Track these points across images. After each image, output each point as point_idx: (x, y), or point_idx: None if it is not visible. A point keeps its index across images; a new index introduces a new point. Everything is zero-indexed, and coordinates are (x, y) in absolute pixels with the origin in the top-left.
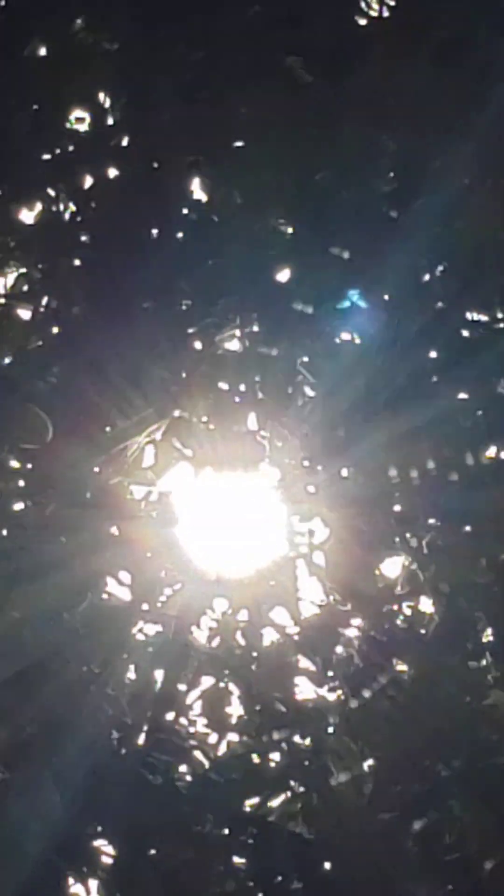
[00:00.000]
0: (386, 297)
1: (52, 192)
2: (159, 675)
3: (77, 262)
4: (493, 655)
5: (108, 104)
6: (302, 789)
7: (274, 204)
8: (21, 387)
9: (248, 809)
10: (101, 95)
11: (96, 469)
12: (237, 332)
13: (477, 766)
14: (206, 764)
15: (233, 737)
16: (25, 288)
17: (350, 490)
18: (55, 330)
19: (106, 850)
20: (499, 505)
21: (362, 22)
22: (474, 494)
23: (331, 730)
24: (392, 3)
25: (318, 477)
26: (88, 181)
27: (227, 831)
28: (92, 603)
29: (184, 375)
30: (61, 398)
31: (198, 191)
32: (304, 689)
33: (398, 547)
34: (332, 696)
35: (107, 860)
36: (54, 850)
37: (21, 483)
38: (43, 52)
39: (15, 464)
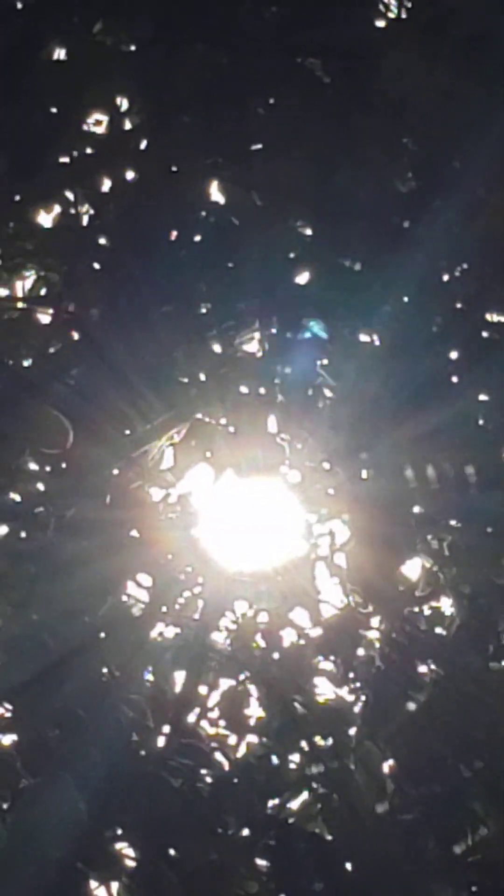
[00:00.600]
0: (405, 298)
1: (70, 196)
2: (179, 677)
3: (96, 266)
4: None
5: (126, 107)
6: (322, 790)
7: (293, 206)
8: (41, 390)
9: (268, 811)
10: (120, 98)
11: (116, 472)
12: (257, 335)
13: (499, 767)
14: (227, 766)
15: (253, 738)
16: (44, 291)
17: (370, 492)
18: (74, 333)
19: (127, 852)
20: None
21: (380, 23)
22: (495, 495)
23: (351, 731)
24: (409, 5)
25: (338, 479)
26: (107, 184)
27: (247, 833)
28: (112, 605)
29: (203, 378)
30: (81, 401)
31: (216, 194)
32: (325, 691)
33: (419, 548)
34: (352, 698)
35: (128, 863)
36: (76, 853)
37: (41, 486)
38: (62, 55)
39: (35, 467)
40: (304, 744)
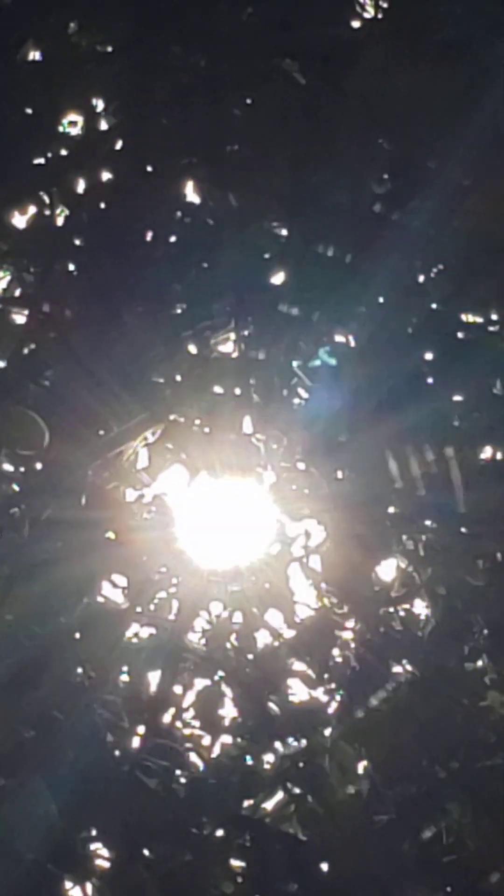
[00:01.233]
0: (381, 298)
1: (45, 197)
2: (154, 677)
3: (71, 266)
4: (489, 657)
5: (101, 108)
6: (298, 791)
7: (268, 206)
8: (16, 391)
9: (243, 812)
10: (95, 99)
11: (91, 473)
12: (232, 336)
13: (474, 768)
14: (202, 766)
15: (227, 739)
16: (19, 292)
17: (345, 492)
18: (49, 334)
19: (101, 853)
20: (495, 507)
21: (356, 24)
22: (470, 496)
23: (326, 732)
24: (385, 5)
25: (313, 479)
26: (82, 185)
27: (222, 833)
28: (87, 606)
29: (178, 379)
30: (56, 402)
31: (192, 194)
32: (299, 692)
33: (394, 549)
34: (326, 699)
35: (102, 864)
36: (50, 854)
37: (16, 487)
38: (37, 55)
39: (10, 468)
40: (278, 744)
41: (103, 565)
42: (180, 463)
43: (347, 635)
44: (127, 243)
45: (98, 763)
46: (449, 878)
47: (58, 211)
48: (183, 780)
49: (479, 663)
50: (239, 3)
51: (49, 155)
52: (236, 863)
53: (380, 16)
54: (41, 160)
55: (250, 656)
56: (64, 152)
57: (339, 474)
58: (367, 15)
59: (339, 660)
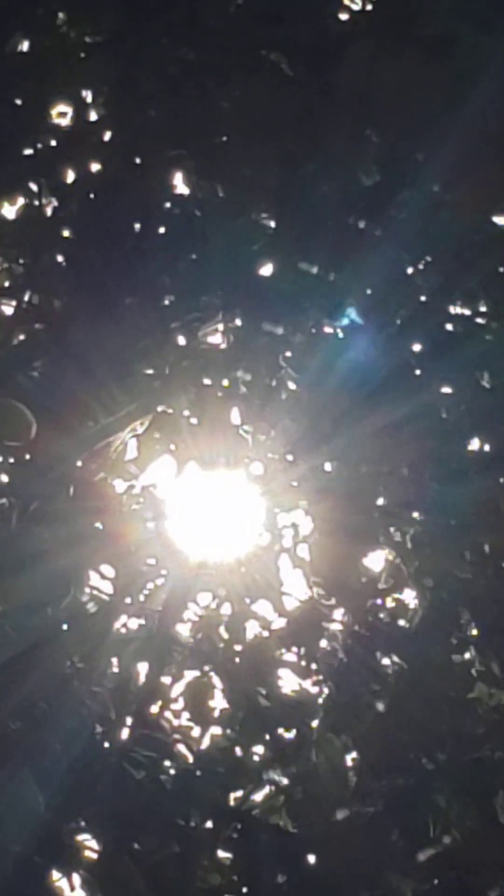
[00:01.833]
0: (369, 290)
1: (34, 187)
2: (143, 668)
3: (59, 258)
4: (476, 649)
5: (90, 99)
6: (286, 783)
7: (256, 198)
8: (4, 382)
9: (231, 803)
10: (84, 90)
11: (80, 464)
12: (220, 327)
13: (461, 760)
14: (190, 758)
15: (216, 730)
16: (8, 283)
17: (333, 484)
18: (38, 325)
19: (89, 844)
20: (482, 498)
21: (344, 17)
22: (458, 488)
23: (314, 723)
24: None
25: (301, 471)
26: (71, 176)
27: (210, 825)
28: (75, 597)
29: (167, 370)
30: (44, 393)
31: (180, 186)
32: (288, 683)
33: (382, 541)
34: (315, 690)
35: (90, 855)
36: (37, 846)
37: (4, 478)
38: (25, 46)
39: None
40: (267, 736)
41: (91, 556)
42: (169, 454)
43: (335, 627)
44: (115, 234)
45: (86, 755)
46: (436, 869)
47: (46, 202)
48: (171, 772)
49: (467, 655)
50: None
51: (38, 146)
52: (224, 855)
53: (368, 8)
54: (30, 151)
55: (239, 647)
56: (53, 143)
57: (327, 466)
58: (354, 7)
59: (327, 651)
